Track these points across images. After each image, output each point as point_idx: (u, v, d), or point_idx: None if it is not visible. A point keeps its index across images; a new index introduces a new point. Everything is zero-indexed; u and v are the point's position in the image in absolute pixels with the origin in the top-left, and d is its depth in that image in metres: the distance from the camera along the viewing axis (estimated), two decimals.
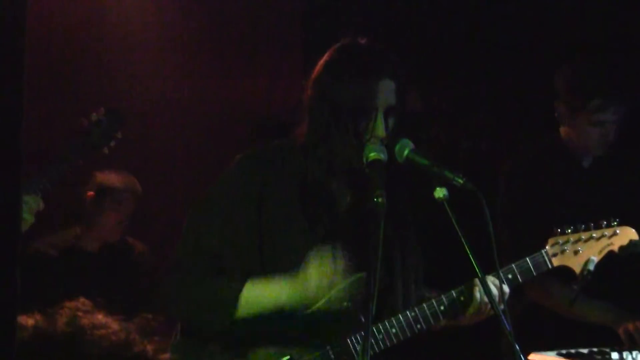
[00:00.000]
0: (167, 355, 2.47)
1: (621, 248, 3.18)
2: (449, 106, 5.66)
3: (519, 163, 4.28)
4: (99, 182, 5.12)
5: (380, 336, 2.98)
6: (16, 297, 1.97)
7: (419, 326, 3.00)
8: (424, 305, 3.03)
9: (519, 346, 2.70)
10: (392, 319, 3.00)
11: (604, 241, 3.18)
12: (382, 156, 2.85)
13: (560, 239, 3.15)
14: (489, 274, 2.92)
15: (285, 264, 2.95)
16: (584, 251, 3.15)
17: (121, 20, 5.61)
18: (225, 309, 2.92)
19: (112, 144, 4.14)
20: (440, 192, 2.81)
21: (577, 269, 3.15)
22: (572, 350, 3.60)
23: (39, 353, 2.14)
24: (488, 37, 5.52)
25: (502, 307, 2.89)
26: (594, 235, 3.17)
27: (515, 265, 3.10)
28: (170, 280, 3.03)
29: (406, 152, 2.93)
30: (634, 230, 3.21)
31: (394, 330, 2.99)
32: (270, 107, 5.64)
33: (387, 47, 3.09)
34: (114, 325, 2.26)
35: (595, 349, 3.59)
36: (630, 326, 3.92)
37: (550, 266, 3.13)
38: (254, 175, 3.03)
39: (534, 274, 3.11)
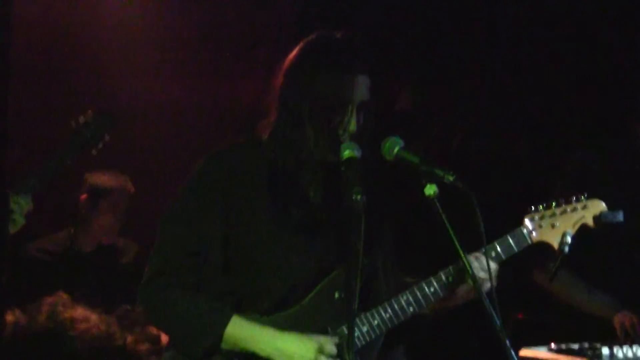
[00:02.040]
0: (147, 346, 2.47)
1: (594, 220, 3.18)
2: (441, 104, 5.67)
3: (586, 157, 4.19)
4: (92, 183, 5.12)
5: (376, 322, 3.01)
6: (2, 296, 1.97)
7: (411, 309, 3.04)
8: (414, 288, 3.06)
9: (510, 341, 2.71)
10: (385, 303, 3.04)
11: (577, 214, 3.17)
12: (356, 153, 2.86)
13: (536, 215, 3.16)
14: (472, 252, 2.98)
15: (257, 254, 2.98)
16: (560, 225, 3.15)
17: (120, 20, 5.62)
18: (209, 337, 2.94)
19: (100, 145, 4.12)
20: (430, 189, 2.83)
21: (555, 243, 3.15)
22: (563, 346, 3.62)
23: (20, 349, 2.13)
24: (482, 36, 5.54)
25: (490, 285, 2.93)
26: (567, 209, 3.17)
27: (497, 243, 3.12)
28: (153, 288, 3.01)
29: (396, 149, 2.94)
30: (602, 202, 3.20)
31: (387, 315, 3.03)
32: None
33: (362, 41, 3.09)
34: (94, 318, 2.25)
35: (586, 344, 3.60)
36: (627, 321, 3.93)
37: (530, 242, 3.14)
38: (219, 173, 3.03)
39: (516, 250, 3.12)
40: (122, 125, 4.23)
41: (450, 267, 3.06)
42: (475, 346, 4.54)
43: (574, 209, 3.17)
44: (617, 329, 3.99)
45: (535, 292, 4.27)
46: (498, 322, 2.69)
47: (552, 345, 3.67)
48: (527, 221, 3.15)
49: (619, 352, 3.44)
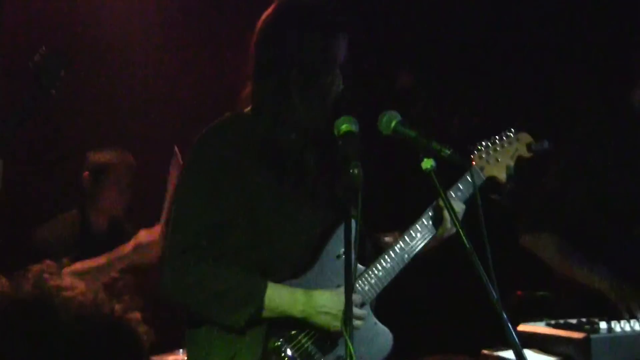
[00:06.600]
0: (135, 314, 2.44)
1: (527, 150, 3.40)
2: (440, 83, 5.67)
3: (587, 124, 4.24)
4: (94, 160, 5.16)
5: (381, 274, 3.09)
6: None
7: (406, 256, 3.15)
8: (404, 236, 3.17)
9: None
10: (385, 255, 3.13)
11: (512, 147, 3.40)
12: (354, 128, 2.82)
13: (482, 153, 3.38)
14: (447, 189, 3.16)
15: (263, 226, 3.00)
16: (502, 159, 3.38)
17: (121, 3, 5.63)
18: (251, 306, 2.95)
19: (58, 84, 4.08)
20: (427, 163, 2.84)
21: (502, 176, 3.37)
22: (561, 321, 3.62)
23: (6, 317, 2.12)
24: (481, 14, 5.53)
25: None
26: (505, 144, 3.40)
27: (459, 182, 3.28)
28: (182, 265, 2.96)
29: (394, 123, 2.94)
30: (528, 134, 3.43)
31: (389, 266, 3.12)
32: None
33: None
34: (81, 285, 2.24)
35: (583, 319, 3.59)
36: (634, 304, 3.85)
37: (484, 177, 3.35)
38: (223, 144, 3.03)
39: (475, 185, 3.21)
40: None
41: (428, 211, 3.19)
42: (473, 322, 4.53)
43: (510, 143, 3.41)
44: (622, 310, 3.96)
45: (534, 269, 4.27)
46: (495, 295, 2.68)
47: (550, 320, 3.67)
48: (475, 160, 3.36)
49: (616, 326, 3.43)
